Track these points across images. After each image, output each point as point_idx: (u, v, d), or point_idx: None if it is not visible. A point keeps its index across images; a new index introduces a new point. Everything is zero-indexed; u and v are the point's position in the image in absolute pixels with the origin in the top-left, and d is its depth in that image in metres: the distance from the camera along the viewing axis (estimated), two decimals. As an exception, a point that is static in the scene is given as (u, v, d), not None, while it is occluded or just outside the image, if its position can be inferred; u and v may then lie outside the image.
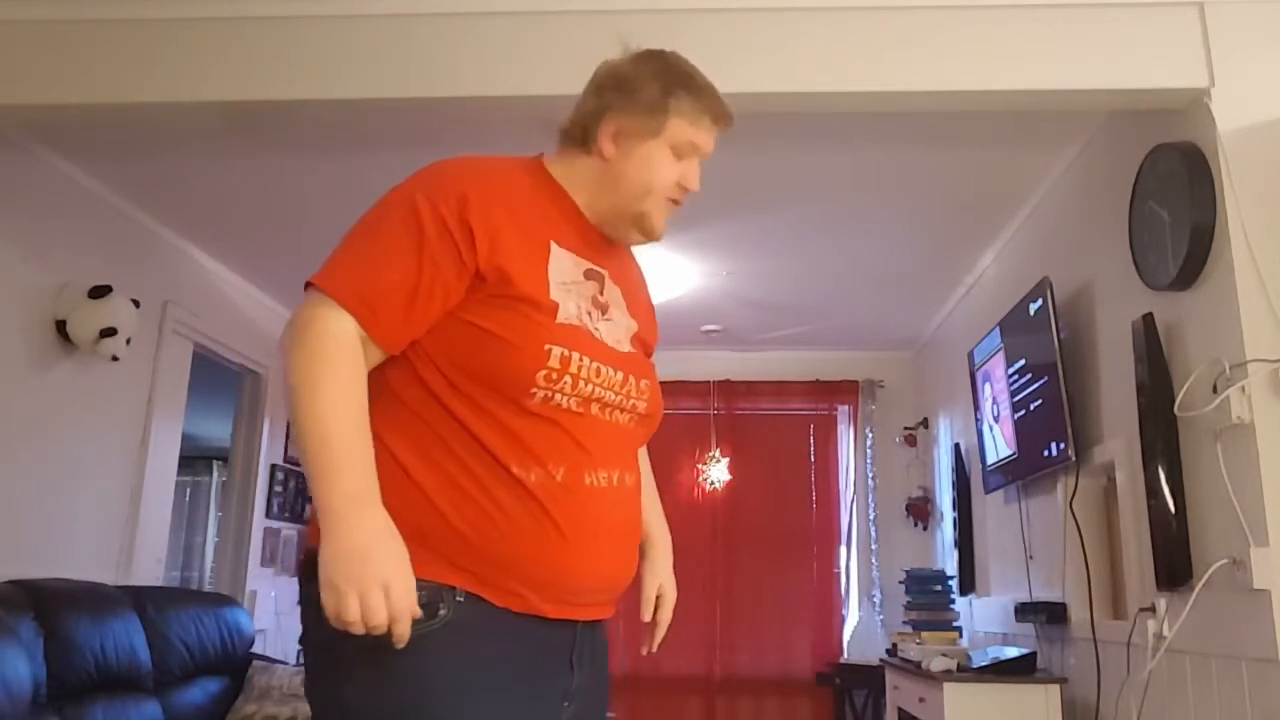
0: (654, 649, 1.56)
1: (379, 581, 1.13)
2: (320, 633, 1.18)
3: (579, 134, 1.43)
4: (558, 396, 1.29)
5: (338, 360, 1.22)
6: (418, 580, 1.18)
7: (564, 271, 1.37)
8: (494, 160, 1.42)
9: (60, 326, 3.54)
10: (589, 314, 1.37)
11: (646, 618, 1.53)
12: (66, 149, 3.49)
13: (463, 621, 1.21)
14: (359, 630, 1.13)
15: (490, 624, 1.24)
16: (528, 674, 1.27)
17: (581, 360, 1.31)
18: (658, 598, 1.54)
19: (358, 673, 1.18)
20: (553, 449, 1.29)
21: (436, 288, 1.28)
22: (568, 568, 1.29)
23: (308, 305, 1.26)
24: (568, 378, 1.29)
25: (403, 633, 1.15)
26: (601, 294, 1.41)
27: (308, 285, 1.27)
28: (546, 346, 1.28)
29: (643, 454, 1.53)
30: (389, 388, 1.31)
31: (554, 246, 1.37)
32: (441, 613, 1.20)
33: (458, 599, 1.22)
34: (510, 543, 1.24)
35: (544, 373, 1.27)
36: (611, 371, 1.34)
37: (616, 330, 1.41)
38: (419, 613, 1.17)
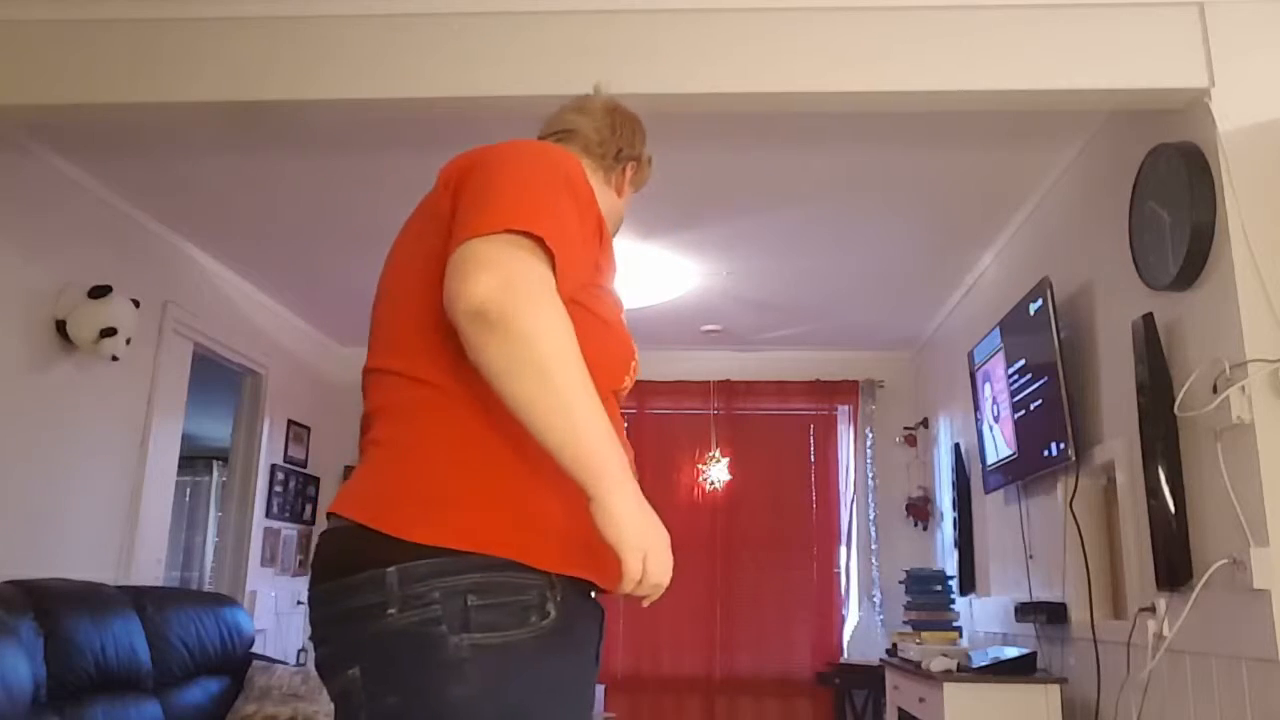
0: None
1: (669, 545, 1.20)
2: (422, 627, 1.15)
3: (609, 161, 1.54)
4: (626, 387, 1.36)
5: (570, 321, 1.19)
6: (529, 572, 1.18)
7: None
8: None
9: (60, 326, 3.55)
10: None
11: None
12: (66, 149, 3.49)
13: (564, 616, 1.21)
14: (647, 591, 1.18)
15: (580, 607, 1.25)
16: (596, 653, 1.32)
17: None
18: None
19: (470, 671, 1.15)
20: (621, 435, 1.33)
21: (584, 263, 1.29)
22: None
23: (528, 255, 1.16)
24: (636, 374, 1.38)
25: (659, 595, 1.21)
26: None
27: (511, 230, 1.16)
28: (630, 343, 1.37)
29: None
30: None
31: None
32: (550, 612, 1.20)
33: (558, 597, 1.21)
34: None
35: (633, 364, 1.36)
36: None
37: None
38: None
